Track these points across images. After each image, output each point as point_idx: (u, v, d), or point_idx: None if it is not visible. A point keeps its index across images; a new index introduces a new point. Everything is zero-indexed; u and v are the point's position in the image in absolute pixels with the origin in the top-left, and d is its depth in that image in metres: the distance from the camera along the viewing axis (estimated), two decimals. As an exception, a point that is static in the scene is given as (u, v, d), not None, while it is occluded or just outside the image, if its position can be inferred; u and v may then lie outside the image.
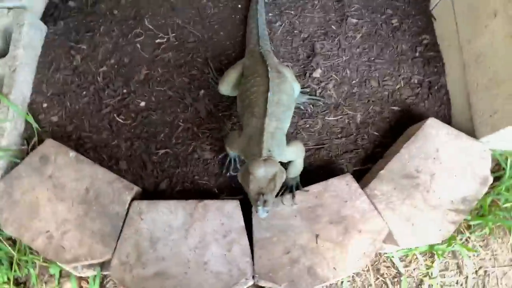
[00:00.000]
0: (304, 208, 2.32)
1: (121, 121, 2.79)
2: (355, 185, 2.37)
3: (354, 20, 3.03)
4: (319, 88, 2.88)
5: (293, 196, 2.38)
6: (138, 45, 2.99)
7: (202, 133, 2.75)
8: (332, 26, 3.02)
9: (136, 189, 2.33)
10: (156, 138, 2.74)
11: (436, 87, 2.85)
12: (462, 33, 2.68)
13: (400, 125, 2.76)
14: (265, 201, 1.84)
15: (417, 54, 2.96)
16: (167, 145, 2.72)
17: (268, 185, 1.88)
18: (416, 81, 2.88)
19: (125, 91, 2.87)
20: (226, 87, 2.54)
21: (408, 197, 2.33)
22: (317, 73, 2.90)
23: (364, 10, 3.06)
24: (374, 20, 3.04)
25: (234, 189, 2.61)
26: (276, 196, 2.12)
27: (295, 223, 2.27)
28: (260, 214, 1.84)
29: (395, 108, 2.82)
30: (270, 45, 2.70)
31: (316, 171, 2.66)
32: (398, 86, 2.87)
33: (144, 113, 2.81)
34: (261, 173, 1.87)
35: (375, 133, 2.76)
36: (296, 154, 2.38)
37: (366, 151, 2.71)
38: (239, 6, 3.08)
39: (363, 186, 2.39)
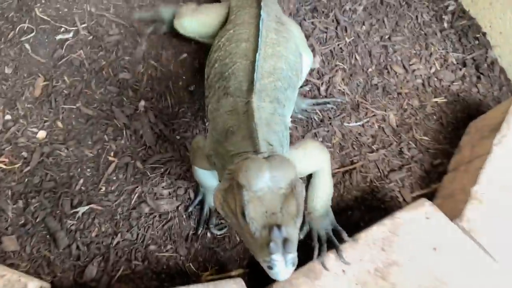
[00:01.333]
0: (366, 273, 1.24)
1: (3, 166, 1.56)
2: (439, 215, 1.35)
3: (338, -7, 2.15)
4: (322, 83, 1.90)
5: (338, 250, 1.30)
6: (27, 46, 1.82)
7: (152, 170, 1.60)
8: (321, -1, 2.11)
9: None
10: (71, 189, 1.54)
11: (485, 65, 2.00)
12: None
13: (456, 122, 1.85)
14: (285, 241, 0.97)
15: (445, 25, 2.11)
16: (91, 198, 1.53)
17: (284, 206, 1.04)
18: (454, 60, 2.02)
19: (8, 117, 1.66)
20: (189, 21, 1.72)
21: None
22: (315, 63, 1.92)
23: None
24: (369, -10, 2.18)
25: (225, 257, 1.46)
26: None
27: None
28: (280, 272, 0.98)
29: (439, 99, 1.91)
30: None
31: (354, 207, 1.61)
32: (432, 70, 1.99)
33: (44, 148, 1.61)
34: (264, 182, 1.04)
35: (423, 137, 1.81)
36: (315, 162, 1.35)
37: (421, 165, 1.73)
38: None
39: (450, 217, 1.37)
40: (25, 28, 1.87)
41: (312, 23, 2.06)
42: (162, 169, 1.61)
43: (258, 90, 1.28)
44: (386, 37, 2.06)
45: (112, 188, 1.56)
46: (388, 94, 1.91)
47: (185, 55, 1.89)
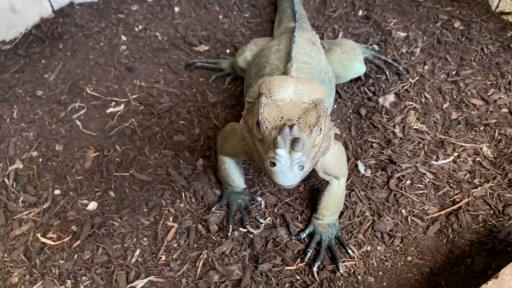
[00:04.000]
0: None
1: (51, 243, 1.36)
2: None
3: (402, 34, 2.04)
4: (394, 125, 1.69)
5: (337, 261, 1.27)
6: (78, 122, 1.74)
7: (216, 232, 1.36)
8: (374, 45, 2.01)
9: None
10: (126, 261, 1.32)
11: None
12: None
13: None
14: (295, 140, 0.90)
15: (515, 52, 1.93)
16: (150, 270, 1.30)
17: (302, 116, 0.99)
18: (538, 84, 1.78)
19: (57, 192, 1.51)
20: (249, 52, 1.74)
21: None
22: (386, 103, 1.75)
23: (407, 23, 2.12)
24: (426, 30, 2.07)
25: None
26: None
27: None
28: (283, 172, 0.90)
29: (536, 124, 1.64)
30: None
31: (473, 253, 1.28)
32: (517, 97, 1.74)
33: (96, 219, 1.42)
34: (287, 93, 1.02)
35: (532, 166, 1.50)
36: (337, 160, 1.26)
37: (543, 195, 1.40)
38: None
39: None
40: (77, 107, 1.82)
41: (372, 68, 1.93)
42: (230, 230, 1.36)
43: (294, 69, 1.28)
44: (453, 73, 1.89)
45: (174, 257, 1.31)
46: (473, 127, 1.67)
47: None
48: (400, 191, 1.47)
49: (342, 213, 1.41)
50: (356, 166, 1.55)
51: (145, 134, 1.68)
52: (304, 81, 1.06)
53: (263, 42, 1.73)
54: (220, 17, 2.28)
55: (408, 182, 1.50)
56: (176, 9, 2.35)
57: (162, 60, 2.03)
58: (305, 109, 1.00)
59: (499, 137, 1.62)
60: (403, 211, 1.42)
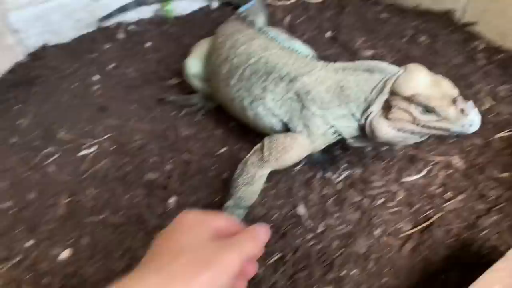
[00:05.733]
0: None
1: (22, 298, 1.34)
2: None
3: (370, 52, 2.07)
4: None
5: None
6: (51, 168, 1.74)
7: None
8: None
9: None
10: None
11: (543, 88, 1.78)
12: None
13: (534, 150, 1.56)
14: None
15: (481, 62, 1.97)
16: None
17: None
18: (505, 92, 1.81)
19: (29, 243, 1.50)
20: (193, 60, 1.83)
21: None
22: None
23: (374, 40, 2.15)
24: (394, 46, 2.10)
25: None
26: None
27: None
28: (476, 121, 1.15)
29: (505, 133, 1.67)
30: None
31: (447, 269, 1.27)
32: (486, 106, 1.78)
33: (68, 268, 1.40)
34: (426, 77, 1.22)
35: (503, 174, 1.53)
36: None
37: (514, 203, 1.40)
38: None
39: None
40: (49, 152, 1.82)
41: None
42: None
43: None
44: (422, 86, 1.90)
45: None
46: (443, 140, 1.67)
47: (214, 144, 1.77)
48: (373, 210, 1.46)
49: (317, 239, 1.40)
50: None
51: (117, 174, 1.68)
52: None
53: (206, 44, 1.81)
54: (191, 49, 2.31)
55: (381, 201, 1.49)
56: (148, 44, 2.38)
57: (135, 96, 2.05)
58: (439, 81, 1.21)
59: (468, 148, 1.63)
60: (376, 231, 1.41)
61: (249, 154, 1.42)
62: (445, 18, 2.23)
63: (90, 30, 2.43)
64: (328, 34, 2.27)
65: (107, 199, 1.60)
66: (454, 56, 2.01)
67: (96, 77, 2.16)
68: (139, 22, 2.50)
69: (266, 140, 1.39)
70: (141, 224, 1.50)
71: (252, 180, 1.38)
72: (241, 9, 1.88)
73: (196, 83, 1.85)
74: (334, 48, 2.16)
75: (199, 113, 1.90)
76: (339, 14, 2.38)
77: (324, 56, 2.10)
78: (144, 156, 1.73)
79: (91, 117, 1.94)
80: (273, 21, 2.35)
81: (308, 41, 2.20)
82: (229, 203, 1.42)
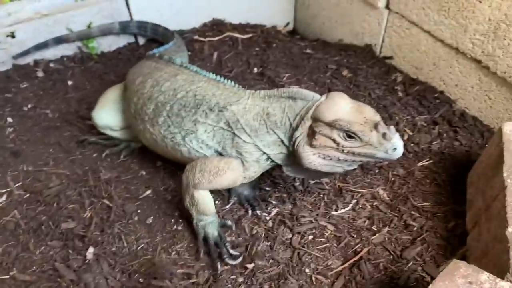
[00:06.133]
0: None
1: None
2: (483, 275, 1.03)
3: (295, 87, 2.11)
4: (293, 178, 1.69)
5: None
6: (-49, 226, 1.56)
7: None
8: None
9: None
10: None
11: (456, 118, 1.89)
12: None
13: (452, 179, 1.65)
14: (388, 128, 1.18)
15: (400, 94, 2.06)
16: None
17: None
18: (424, 122, 1.91)
19: None
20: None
21: None
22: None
23: (299, 75, 2.20)
24: (318, 80, 2.16)
25: None
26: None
27: None
28: (399, 146, 1.17)
29: (425, 162, 1.73)
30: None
31: (377, 305, 1.25)
32: (405, 136, 1.85)
33: None
34: (348, 104, 1.25)
35: (425, 204, 1.57)
36: None
37: (435, 233, 1.45)
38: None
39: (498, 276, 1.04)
40: (-49, 206, 1.63)
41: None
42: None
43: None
44: (346, 119, 1.95)
45: None
46: (369, 171, 1.71)
47: (138, 187, 1.68)
48: (303, 248, 1.44)
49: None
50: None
51: (29, 226, 1.53)
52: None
53: (114, 92, 1.77)
54: (116, 86, 2.22)
55: (311, 237, 1.47)
56: (69, 82, 2.27)
57: (53, 139, 1.91)
58: (361, 107, 1.22)
59: (392, 178, 1.67)
60: (307, 270, 1.38)
61: (183, 175, 1.41)
62: (366, 52, 2.33)
63: (5, 68, 2.28)
64: (256, 69, 2.29)
65: (17, 254, 1.45)
66: (375, 88, 2.09)
67: (10, 120, 2.01)
68: (60, 60, 2.38)
69: (199, 162, 1.37)
70: (55, 281, 1.36)
71: (195, 200, 1.40)
72: (154, 51, 1.85)
73: (110, 132, 1.78)
74: (262, 84, 2.17)
75: (122, 154, 1.81)
76: (266, 50, 2.42)
77: (252, 91, 2.11)
78: (61, 203, 1.60)
79: (2, 164, 1.78)
80: (200, 57, 2.34)
81: (236, 77, 2.22)
82: (194, 222, 1.45)
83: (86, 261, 1.41)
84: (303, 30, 2.80)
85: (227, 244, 1.44)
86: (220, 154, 1.40)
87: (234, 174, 1.35)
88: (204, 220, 1.45)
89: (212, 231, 1.45)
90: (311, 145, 1.23)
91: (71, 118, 2.03)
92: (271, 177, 1.70)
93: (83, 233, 1.50)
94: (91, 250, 1.44)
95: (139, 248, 1.47)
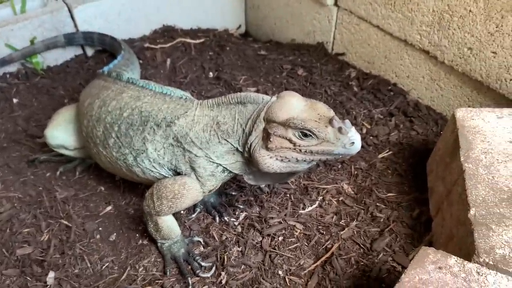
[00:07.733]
0: None
1: None
2: (452, 259, 1.05)
3: (252, 89, 2.10)
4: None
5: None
6: None
7: None
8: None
9: None
10: None
11: (410, 108, 1.95)
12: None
13: (412, 168, 1.68)
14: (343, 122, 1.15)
15: (355, 89, 2.09)
16: None
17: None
18: (380, 115, 1.95)
19: None
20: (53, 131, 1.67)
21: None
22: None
23: (256, 77, 2.19)
24: (274, 81, 2.16)
25: None
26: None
27: None
28: (357, 139, 1.13)
29: (385, 154, 1.76)
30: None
31: (352, 299, 1.25)
32: (364, 130, 1.87)
33: None
34: (300, 102, 1.20)
35: (389, 194, 1.60)
36: None
37: (402, 222, 1.47)
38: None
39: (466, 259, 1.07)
40: None
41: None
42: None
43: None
44: (306, 117, 1.96)
45: None
46: (332, 166, 1.72)
47: (98, 204, 1.60)
48: (274, 250, 1.42)
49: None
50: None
51: (-20, 257, 1.43)
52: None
53: (68, 111, 1.69)
54: (66, 101, 2.13)
55: (281, 238, 1.46)
56: (15, 100, 2.15)
57: (1, 161, 1.80)
58: (314, 104, 1.18)
59: (355, 172, 1.69)
60: (280, 272, 1.36)
61: (143, 203, 1.35)
62: (319, 50, 2.36)
63: None
64: (211, 74, 2.26)
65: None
66: (331, 85, 2.12)
67: (-51, 147, 1.87)
68: (3, 77, 2.25)
69: (155, 189, 1.31)
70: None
71: (159, 227, 1.37)
72: (104, 68, 1.76)
73: (63, 151, 1.68)
74: (218, 88, 2.14)
75: (77, 170, 1.72)
76: (220, 53, 2.39)
77: (210, 96, 2.08)
78: (14, 228, 1.50)
79: None
80: (153, 65, 2.28)
81: (192, 83, 2.18)
82: (159, 245, 1.43)
83: (47, 287, 1.33)
84: (255, 32, 2.80)
85: (197, 258, 1.39)
86: (176, 171, 1.35)
87: (192, 193, 1.30)
88: (169, 242, 1.41)
89: (179, 250, 1.41)
90: (267, 148, 1.19)
91: (19, 138, 1.92)
92: (236, 182, 1.67)
93: (42, 258, 1.41)
94: (51, 274, 1.35)
95: (103, 267, 1.40)
